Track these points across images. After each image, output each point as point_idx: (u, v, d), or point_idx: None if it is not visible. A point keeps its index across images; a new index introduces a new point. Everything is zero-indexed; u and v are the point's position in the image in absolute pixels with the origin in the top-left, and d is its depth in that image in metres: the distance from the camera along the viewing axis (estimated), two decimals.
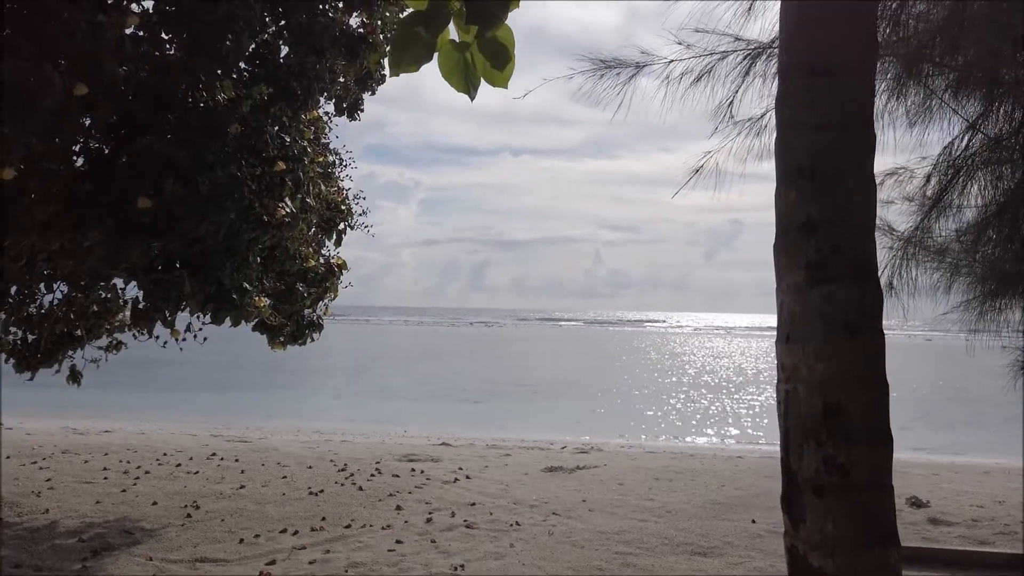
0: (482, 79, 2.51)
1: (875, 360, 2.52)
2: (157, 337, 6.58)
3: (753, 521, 6.86)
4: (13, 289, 8.10)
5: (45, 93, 4.97)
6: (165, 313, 6.24)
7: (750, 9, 4.49)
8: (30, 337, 8.39)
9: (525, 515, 6.96)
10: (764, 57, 4.69)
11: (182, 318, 6.57)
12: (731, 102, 4.73)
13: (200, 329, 6.57)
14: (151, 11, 6.42)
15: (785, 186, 2.65)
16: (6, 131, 4.85)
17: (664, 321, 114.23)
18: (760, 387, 25.47)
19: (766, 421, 17.69)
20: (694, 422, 17.98)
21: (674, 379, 28.83)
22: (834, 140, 2.58)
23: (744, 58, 4.72)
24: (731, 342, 60.90)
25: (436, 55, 2.41)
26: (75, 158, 6.53)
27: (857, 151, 2.60)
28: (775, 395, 2.66)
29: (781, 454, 2.59)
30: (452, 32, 2.41)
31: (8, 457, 9.27)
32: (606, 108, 5.20)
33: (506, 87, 2.55)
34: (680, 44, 5.14)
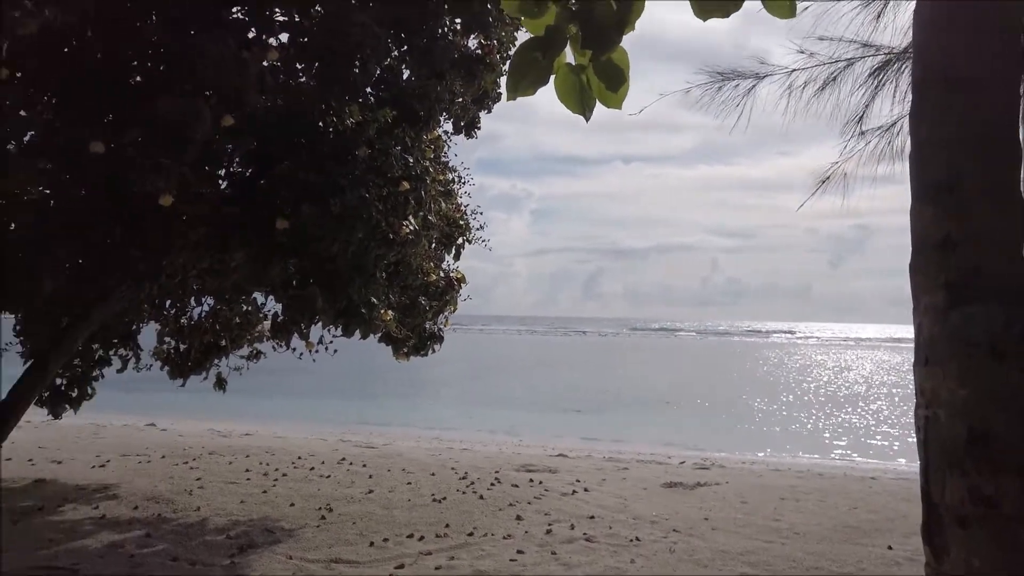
0: (597, 100, 2.56)
1: None
2: (294, 349, 7.00)
3: (890, 547, 6.50)
4: (168, 303, 8.90)
5: (197, 126, 5.44)
6: (301, 326, 6.63)
7: (879, 16, 4.32)
8: (182, 347, 9.16)
9: (645, 531, 6.90)
10: (896, 65, 4.49)
11: (316, 331, 6.99)
12: (861, 117, 4.54)
13: (331, 341, 6.93)
14: (288, 44, 6.91)
15: (921, 203, 2.55)
16: (164, 162, 5.33)
17: (792, 332, 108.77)
18: (893, 403, 23.99)
19: (900, 441, 16.65)
20: (824, 438, 17.18)
21: (800, 393, 27.62)
22: (974, 156, 2.46)
23: (872, 66, 4.53)
24: (860, 354, 57.65)
25: (552, 78, 2.49)
26: (221, 183, 7.09)
27: (1000, 167, 2.47)
28: (913, 419, 2.56)
29: (921, 481, 2.49)
30: (568, 55, 2.48)
31: (163, 457, 10.11)
32: (725, 119, 5.14)
33: (620, 108, 2.58)
34: (803, 52, 5.02)
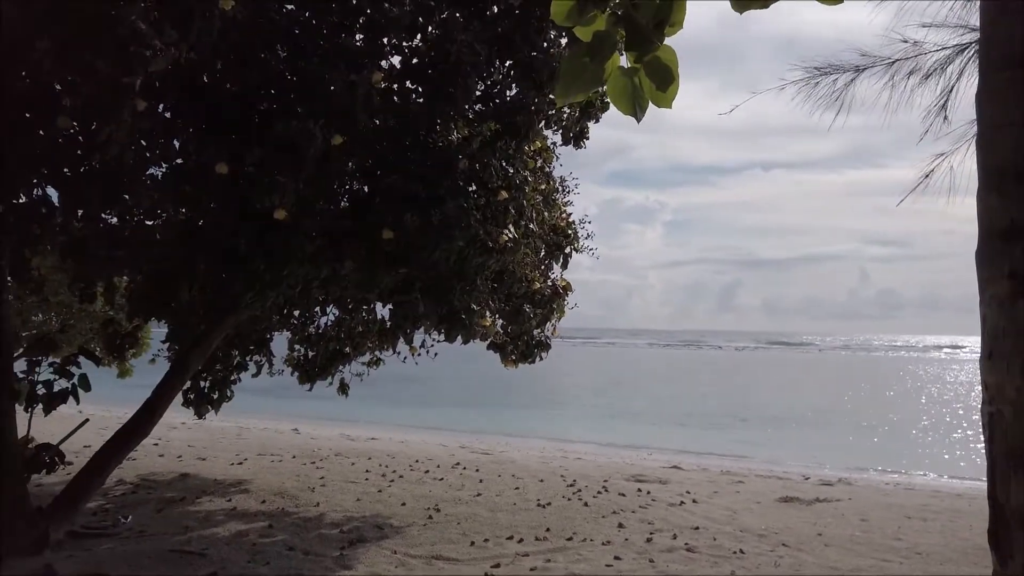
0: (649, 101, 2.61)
1: None
2: (399, 352, 7.35)
3: None
4: (296, 312, 9.57)
5: (309, 145, 5.88)
6: (405, 331, 6.96)
7: None
8: (310, 353, 9.82)
9: (751, 544, 6.70)
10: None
11: (420, 337, 7.31)
12: (944, 103, 4.29)
13: (432, 345, 7.22)
14: (397, 65, 7.32)
15: (987, 190, 2.43)
16: (280, 180, 5.81)
17: (957, 347, 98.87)
18: None
19: None
20: (971, 458, 15.84)
21: (953, 410, 25.53)
22: None
23: (967, 51, 4.26)
24: None
25: (606, 81, 2.57)
26: (341, 199, 7.59)
27: None
28: (980, 416, 2.43)
29: (988, 483, 2.36)
30: (623, 60, 2.55)
31: (294, 457, 10.83)
32: (822, 116, 4.98)
33: (670, 107, 2.62)
34: (906, 42, 4.79)
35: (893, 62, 4.77)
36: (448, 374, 28.50)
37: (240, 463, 10.13)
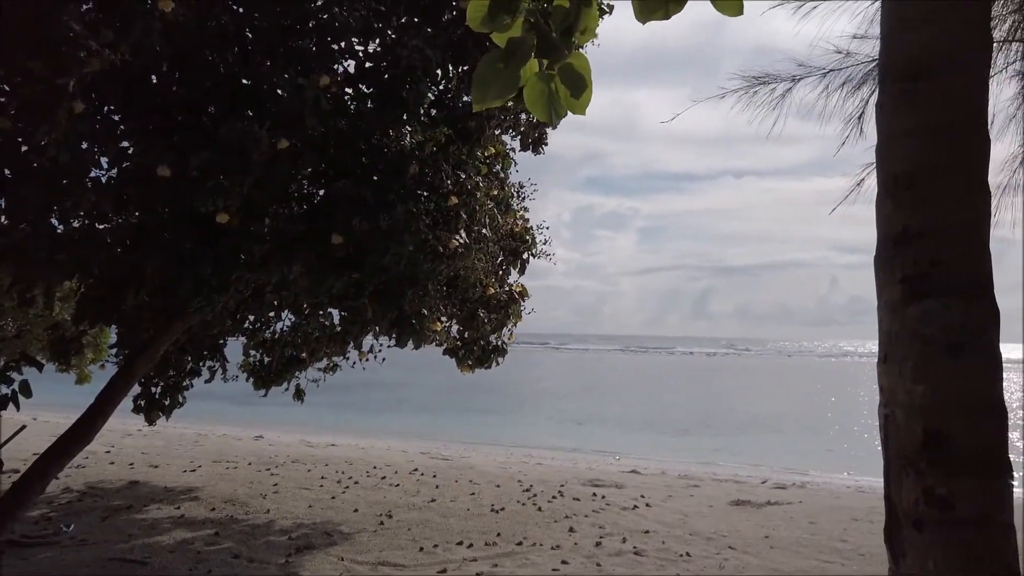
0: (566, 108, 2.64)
1: (986, 383, 2.27)
2: (347, 358, 7.32)
3: None
4: (251, 317, 9.48)
5: (255, 148, 5.85)
6: (355, 336, 6.94)
7: None
8: (265, 359, 9.73)
9: (699, 547, 6.76)
10: None
11: (373, 342, 7.29)
12: (861, 115, 4.39)
13: (381, 351, 7.21)
14: (351, 69, 7.32)
15: (884, 197, 2.49)
16: (225, 183, 5.76)
17: None
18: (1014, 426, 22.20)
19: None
20: None
21: None
22: (936, 146, 2.39)
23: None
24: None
25: (523, 87, 2.59)
26: (291, 203, 7.55)
27: (963, 158, 2.38)
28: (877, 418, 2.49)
29: (884, 481, 2.42)
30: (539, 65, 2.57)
31: (249, 464, 10.71)
32: (759, 125, 5.06)
33: (584, 113, 2.65)
34: (839, 52, 4.89)
35: (827, 72, 4.86)
36: (415, 380, 28.41)
37: (193, 470, 10.00)
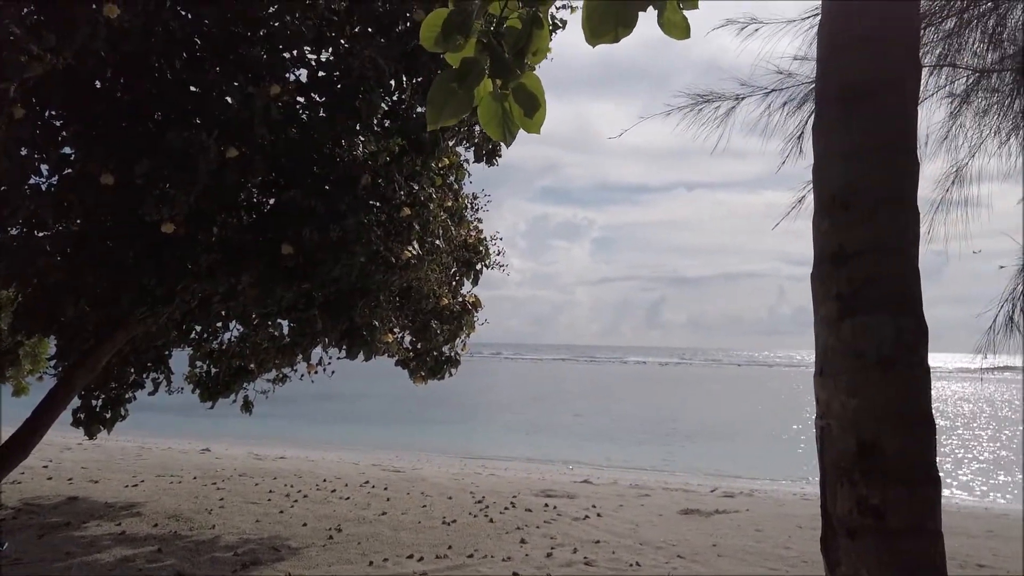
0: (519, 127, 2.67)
1: (915, 396, 2.36)
2: (295, 370, 7.23)
3: None
4: (198, 328, 9.28)
5: (201, 156, 5.76)
6: (304, 347, 6.85)
7: None
8: (212, 370, 9.53)
9: (648, 556, 6.83)
10: None
11: (324, 354, 7.21)
12: (800, 134, 4.54)
13: (330, 362, 7.14)
14: (301, 78, 7.26)
15: (820, 216, 2.58)
16: (171, 192, 5.66)
17: None
18: (949, 434, 22.98)
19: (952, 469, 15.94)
20: None
21: None
22: (869, 167, 2.48)
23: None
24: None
25: (477, 106, 2.61)
26: (240, 212, 7.43)
27: (894, 178, 2.48)
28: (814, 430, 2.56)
29: (820, 491, 2.49)
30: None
31: (195, 478, 10.46)
32: (705, 140, 5.18)
33: (538, 132, 2.68)
34: (780, 73, 5.03)
35: (769, 92, 5.00)
36: (367, 391, 28.12)
37: (135, 485, 9.72)
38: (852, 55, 2.56)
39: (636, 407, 31.56)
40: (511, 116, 2.65)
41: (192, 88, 6.63)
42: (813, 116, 2.72)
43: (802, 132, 4.59)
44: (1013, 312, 4.05)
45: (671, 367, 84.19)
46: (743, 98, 5.14)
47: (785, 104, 5.08)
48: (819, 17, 4.46)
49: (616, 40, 2.37)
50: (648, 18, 2.23)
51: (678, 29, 2.39)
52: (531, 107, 2.60)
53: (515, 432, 21.89)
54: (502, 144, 8.99)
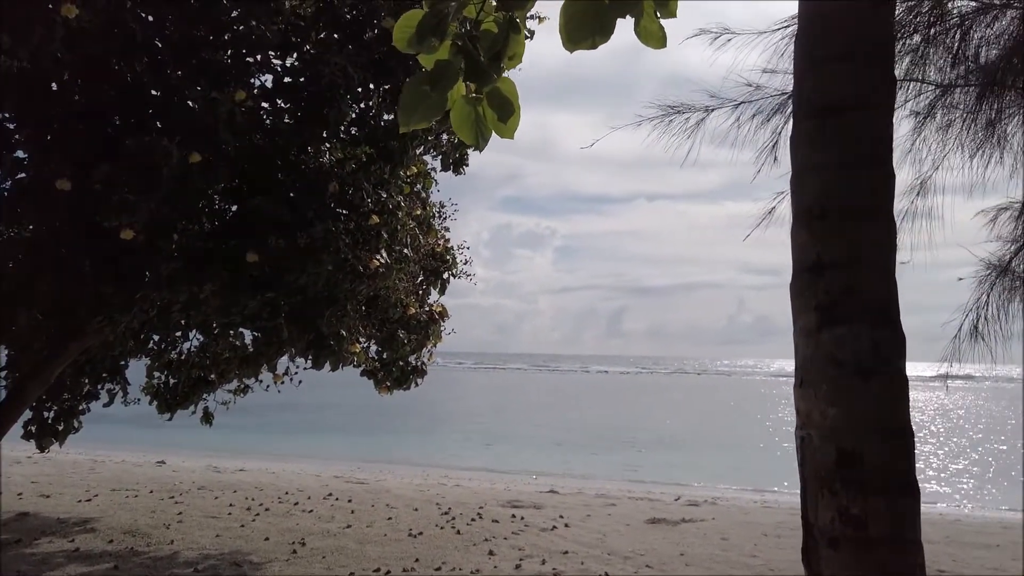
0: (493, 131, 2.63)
1: (894, 406, 2.38)
2: (260, 381, 7.08)
3: None
4: (156, 337, 9.04)
5: (163, 162, 5.61)
6: (269, 358, 6.72)
7: None
8: (171, 381, 9.28)
9: (616, 566, 6.81)
10: None
11: (287, 363, 7.07)
12: (774, 144, 4.60)
13: (296, 373, 7.01)
14: (268, 83, 7.15)
15: (798, 227, 2.59)
16: (130, 198, 5.50)
17: None
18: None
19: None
20: None
21: None
22: (846, 179, 2.50)
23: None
24: None
25: (450, 110, 2.56)
26: (204, 219, 7.27)
27: (870, 190, 2.50)
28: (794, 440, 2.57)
29: (801, 502, 2.49)
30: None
31: (151, 492, 10.16)
32: (676, 151, 5.21)
33: (512, 137, 2.65)
34: (750, 85, 5.09)
35: (739, 104, 5.05)
36: (329, 400, 27.73)
37: (89, 500, 9.41)
38: (828, 69, 2.58)
39: (598, 416, 31.68)
40: (484, 121, 2.62)
41: (153, 92, 6.49)
42: (787, 128, 2.75)
43: (776, 142, 4.63)
44: (977, 322, 4.15)
45: (632, 376, 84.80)
46: (712, 110, 5.19)
47: (754, 116, 5.15)
48: (790, 29, 4.53)
49: (594, 47, 2.35)
50: (619, 26, 2.22)
51: (654, 38, 2.39)
52: (505, 112, 2.57)
53: (478, 442, 21.78)
54: (469, 152, 9.05)
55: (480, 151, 2.74)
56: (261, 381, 7.25)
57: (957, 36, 3.93)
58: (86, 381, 8.77)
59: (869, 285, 2.44)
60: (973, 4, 4.23)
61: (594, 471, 16.28)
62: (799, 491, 2.52)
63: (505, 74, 2.56)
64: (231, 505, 9.32)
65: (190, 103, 6.18)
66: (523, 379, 69.17)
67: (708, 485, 14.33)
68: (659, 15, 2.32)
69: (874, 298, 2.43)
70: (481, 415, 31.10)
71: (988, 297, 4.15)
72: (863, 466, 2.33)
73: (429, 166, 8.73)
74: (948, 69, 4.08)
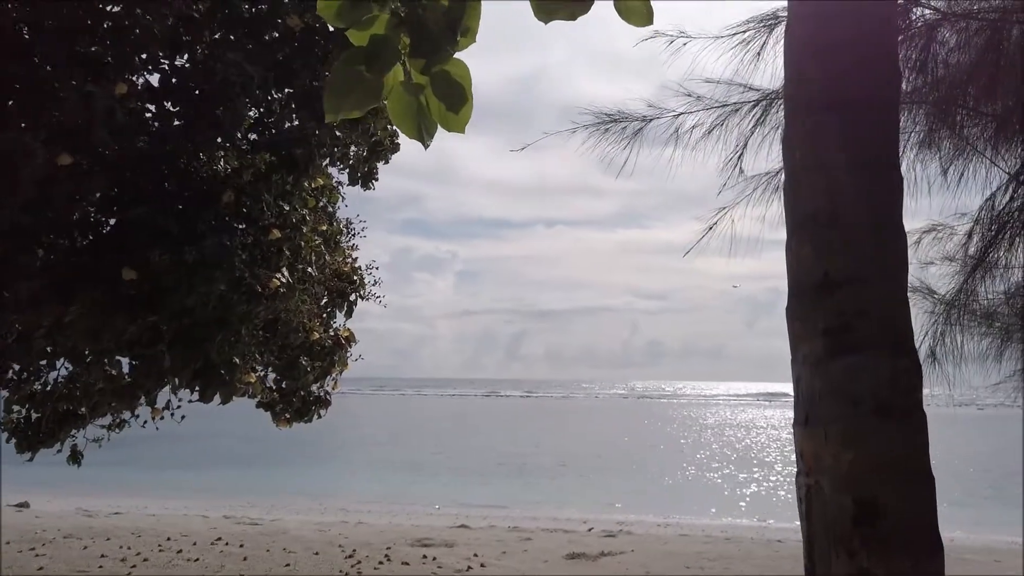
0: (438, 125, 2.14)
1: (917, 447, 2.04)
2: (137, 416, 6.26)
3: None
4: (16, 367, 7.94)
5: (25, 163, 4.82)
6: (147, 390, 5.92)
7: (759, 55, 4.16)
8: (34, 416, 8.17)
9: None
10: (777, 107, 4.33)
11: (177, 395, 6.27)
12: (740, 155, 4.34)
13: (178, 407, 6.23)
14: (156, 81, 6.41)
15: (797, 239, 2.23)
16: None
17: (717, 392, 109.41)
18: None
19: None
20: (734, 500, 17.02)
21: (713, 452, 27.66)
22: (854, 182, 2.16)
23: (754, 107, 4.36)
24: (776, 412, 58.93)
25: (386, 98, 2.06)
26: (75, 231, 6.39)
27: (882, 196, 2.18)
28: (795, 487, 2.19)
29: (805, 560, 2.11)
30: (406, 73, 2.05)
31: (8, 543, 8.91)
32: (611, 163, 4.88)
33: (463, 132, 2.15)
34: (689, 95, 4.84)
35: (679, 115, 4.78)
36: (216, 430, 25.96)
37: None
38: (830, 62, 2.26)
39: (500, 442, 31.24)
40: (428, 112, 2.13)
41: (17, 85, 5.65)
42: (783, 130, 2.42)
43: (742, 153, 4.35)
44: (935, 347, 3.99)
45: (533, 399, 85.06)
46: (651, 119, 4.91)
47: (693, 128, 4.90)
48: (750, 32, 4.28)
49: (572, 18, 1.91)
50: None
51: (638, 15, 1.98)
52: (456, 101, 2.08)
53: (378, 472, 20.87)
54: (377, 166, 8.50)
55: (425, 147, 2.22)
56: (138, 416, 6.38)
57: (917, 47, 3.78)
58: None
59: (884, 305, 2.10)
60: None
61: (501, 499, 15.78)
62: (803, 547, 2.14)
63: (456, 55, 2.10)
64: (102, 556, 8.25)
65: (62, 96, 5.39)
66: (422, 404, 68.06)
67: (618, 511, 14.11)
68: None
69: (891, 320, 2.10)
70: (379, 444, 30.06)
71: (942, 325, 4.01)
72: (886, 520, 1.97)
73: (335, 180, 8.15)
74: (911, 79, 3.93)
